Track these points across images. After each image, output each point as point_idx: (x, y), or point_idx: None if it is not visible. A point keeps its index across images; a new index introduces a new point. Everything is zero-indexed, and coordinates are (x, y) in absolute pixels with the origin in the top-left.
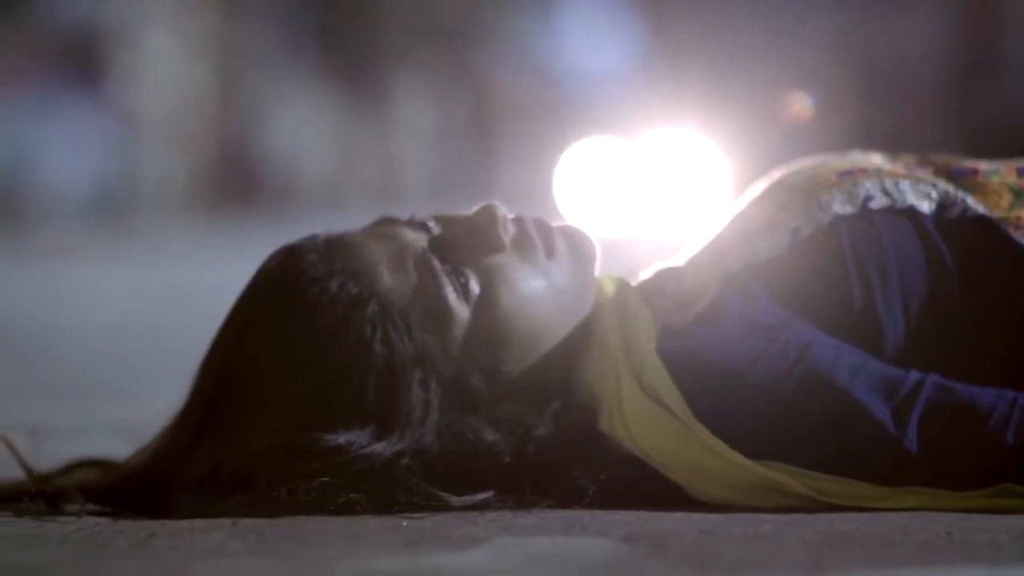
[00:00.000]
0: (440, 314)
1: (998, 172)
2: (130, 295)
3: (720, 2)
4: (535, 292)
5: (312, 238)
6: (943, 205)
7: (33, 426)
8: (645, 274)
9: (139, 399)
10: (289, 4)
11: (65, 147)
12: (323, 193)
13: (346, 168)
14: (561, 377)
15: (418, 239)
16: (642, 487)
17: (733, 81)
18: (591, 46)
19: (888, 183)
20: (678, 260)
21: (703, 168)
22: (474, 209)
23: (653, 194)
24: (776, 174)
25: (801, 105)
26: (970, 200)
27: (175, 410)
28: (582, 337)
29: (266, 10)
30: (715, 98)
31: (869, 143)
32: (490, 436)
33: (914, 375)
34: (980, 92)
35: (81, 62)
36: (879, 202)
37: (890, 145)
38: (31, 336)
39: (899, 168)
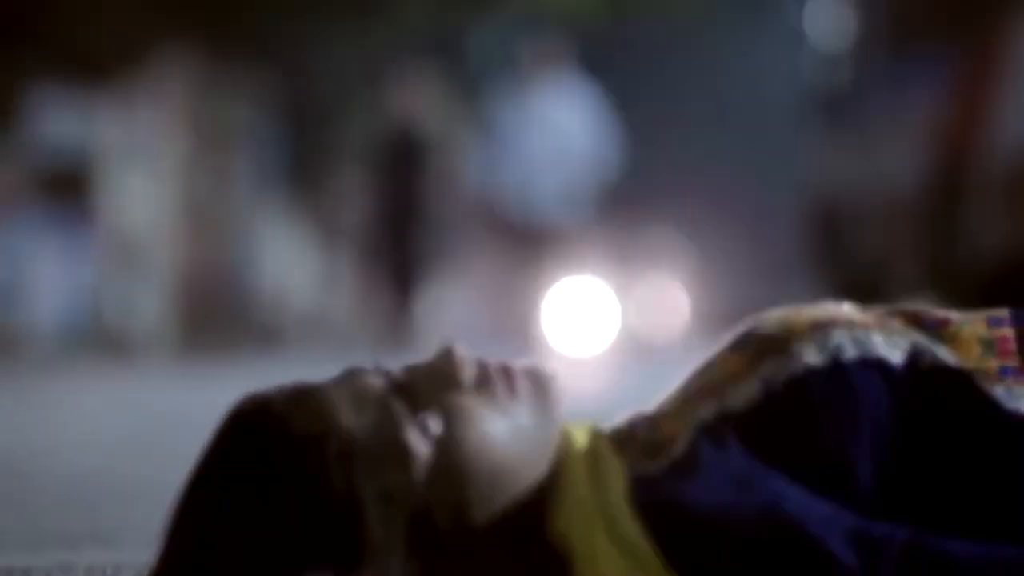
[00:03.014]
0: (401, 453)
1: (969, 323)
2: (112, 430)
3: (688, 154)
4: (497, 431)
5: (277, 386)
6: (914, 357)
7: (10, 569)
8: (618, 421)
9: (121, 542)
10: (265, 141)
11: (45, 279)
12: (301, 325)
13: (323, 302)
14: (530, 526)
15: (380, 382)
16: None
17: (700, 226)
18: (567, 195)
19: (859, 334)
20: (650, 407)
21: (665, 303)
22: (435, 352)
23: (623, 323)
24: (748, 322)
25: None
26: (940, 352)
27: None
28: (551, 485)
29: (247, 146)
30: (682, 242)
31: (835, 285)
32: None
33: (886, 527)
34: (947, 232)
35: (65, 195)
36: (850, 354)
37: (856, 286)
38: (9, 474)
39: (870, 318)
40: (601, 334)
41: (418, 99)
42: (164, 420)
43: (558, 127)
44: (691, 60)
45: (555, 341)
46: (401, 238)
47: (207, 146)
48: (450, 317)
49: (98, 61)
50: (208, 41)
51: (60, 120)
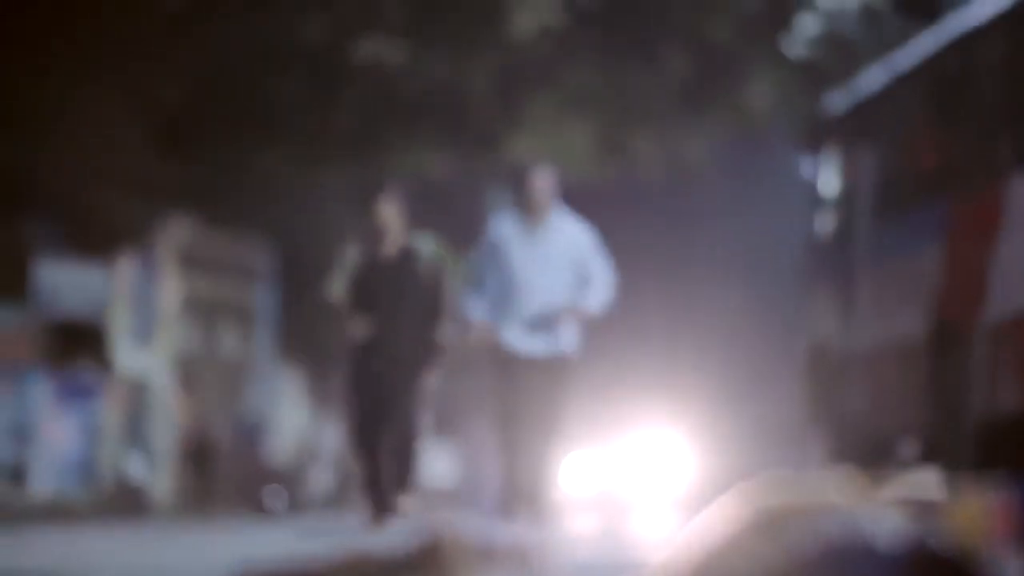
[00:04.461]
0: None
1: (963, 499)
2: None
3: (686, 311)
4: None
5: (275, 561)
6: (910, 539)
7: None
8: None
9: None
10: (266, 295)
11: (55, 438)
12: (305, 480)
13: (322, 459)
14: None
15: (375, 561)
16: None
17: (698, 386)
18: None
19: (855, 516)
20: None
21: (674, 453)
22: (424, 533)
23: (634, 476)
24: (744, 492)
25: None
26: (935, 531)
27: None
28: None
29: (250, 300)
30: (685, 401)
31: (834, 446)
32: None
33: None
34: (945, 390)
35: (74, 356)
36: (847, 536)
37: (855, 447)
38: None
39: (866, 498)
40: (597, 494)
41: (396, 218)
42: None
43: (566, 257)
44: (689, 215)
45: (561, 495)
46: (390, 380)
47: (210, 305)
48: (450, 474)
49: (103, 224)
50: (207, 201)
51: (69, 283)
